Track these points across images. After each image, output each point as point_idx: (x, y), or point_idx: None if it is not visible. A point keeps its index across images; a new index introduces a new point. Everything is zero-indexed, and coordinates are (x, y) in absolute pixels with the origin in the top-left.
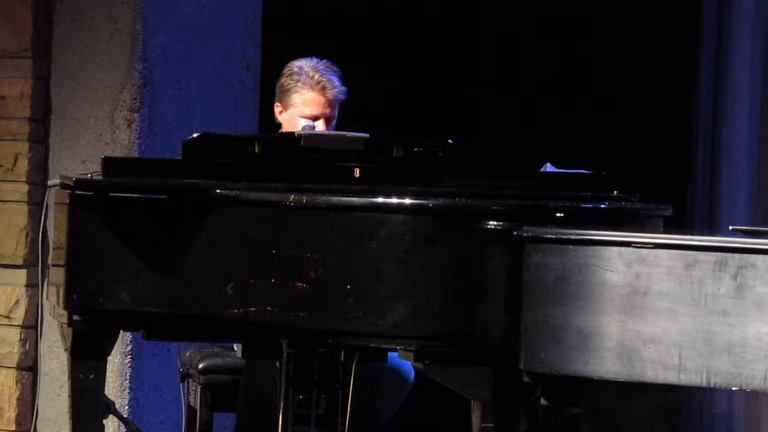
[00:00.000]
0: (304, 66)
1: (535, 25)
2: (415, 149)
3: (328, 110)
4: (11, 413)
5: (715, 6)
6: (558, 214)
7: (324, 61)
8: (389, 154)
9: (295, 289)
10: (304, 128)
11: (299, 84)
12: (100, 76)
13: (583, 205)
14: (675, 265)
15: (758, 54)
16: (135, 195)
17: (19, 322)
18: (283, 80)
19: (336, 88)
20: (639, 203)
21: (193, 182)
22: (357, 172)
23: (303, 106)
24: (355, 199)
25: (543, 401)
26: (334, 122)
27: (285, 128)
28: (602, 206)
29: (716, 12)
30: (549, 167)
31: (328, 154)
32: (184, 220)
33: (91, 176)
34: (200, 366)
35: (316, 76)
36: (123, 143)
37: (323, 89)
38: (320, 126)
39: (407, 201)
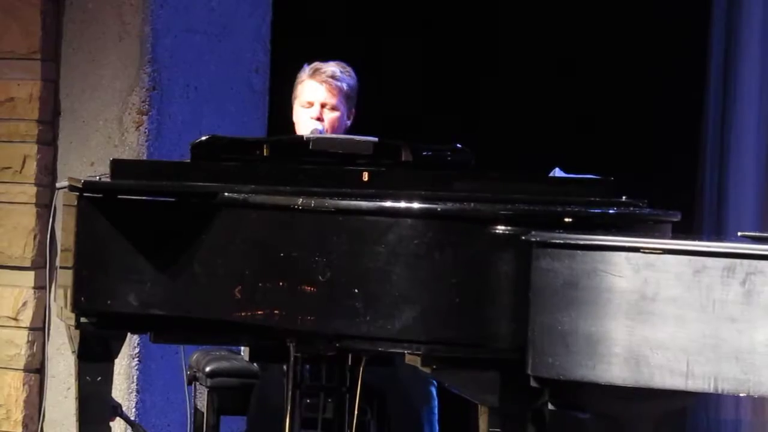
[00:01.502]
0: (310, 63)
1: (541, 28)
2: (424, 153)
3: (323, 96)
4: (18, 415)
5: (724, 10)
6: (566, 219)
7: (337, 61)
8: (398, 158)
9: (303, 293)
10: (312, 131)
11: (300, 75)
12: (109, 78)
13: (592, 210)
14: (683, 271)
15: (767, 60)
16: (143, 197)
17: (27, 324)
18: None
19: (329, 72)
20: (648, 208)
21: (202, 185)
22: (365, 176)
23: (301, 95)
24: (364, 203)
25: (550, 406)
26: (339, 115)
27: (296, 126)
28: (611, 211)
29: (725, 17)
30: (558, 172)
31: (336, 158)
32: (192, 222)
33: (100, 178)
34: (207, 369)
35: (314, 64)
36: (131, 145)
37: (315, 72)
38: (315, 111)
39: (415, 205)
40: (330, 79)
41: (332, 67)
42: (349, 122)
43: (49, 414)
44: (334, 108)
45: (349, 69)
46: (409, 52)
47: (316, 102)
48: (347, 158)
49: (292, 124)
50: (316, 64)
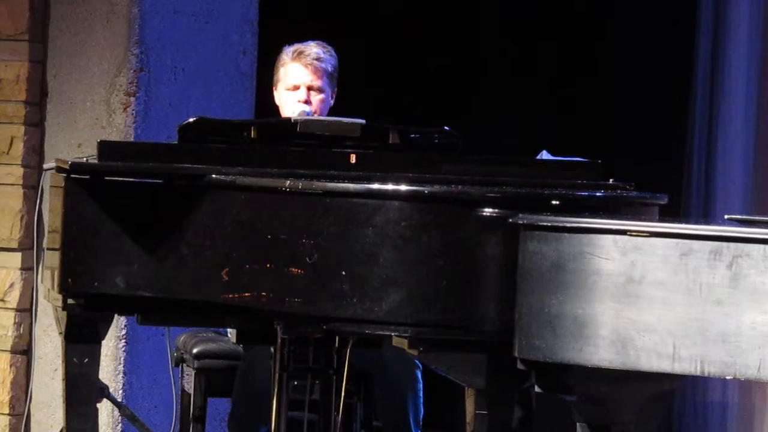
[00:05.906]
0: (290, 44)
1: (534, 13)
2: (412, 136)
3: (309, 78)
4: (5, 396)
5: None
6: (554, 202)
7: (317, 41)
8: (385, 141)
9: (290, 275)
10: (300, 114)
11: (282, 58)
12: (97, 59)
13: (579, 193)
14: (670, 254)
15: (755, 42)
16: (130, 179)
17: (14, 305)
18: (275, 63)
19: (314, 55)
20: (635, 191)
21: (189, 167)
22: (353, 158)
23: (285, 78)
24: (351, 185)
25: (537, 389)
26: (324, 96)
27: (280, 108)
28: (598, 194)
29: (713, 3)
30: (545, 155)
31: (324, 140)
32: (180, 204)
33: (87, 160)
34: (194, 351)
35: (296, 46)
36: (119, 127)
37: (300, 55)
38: (302, 95)
39: (403, 187)
40: (315, 62)
41: (315, 49)
42: (332, 101)
43: (36, 395)
44: (319, 90)
45: (329, 48)
46: (399, 32)
47: (302, 85)
48: (334, 140)
49: (276, 107)
50: (298, 47)
